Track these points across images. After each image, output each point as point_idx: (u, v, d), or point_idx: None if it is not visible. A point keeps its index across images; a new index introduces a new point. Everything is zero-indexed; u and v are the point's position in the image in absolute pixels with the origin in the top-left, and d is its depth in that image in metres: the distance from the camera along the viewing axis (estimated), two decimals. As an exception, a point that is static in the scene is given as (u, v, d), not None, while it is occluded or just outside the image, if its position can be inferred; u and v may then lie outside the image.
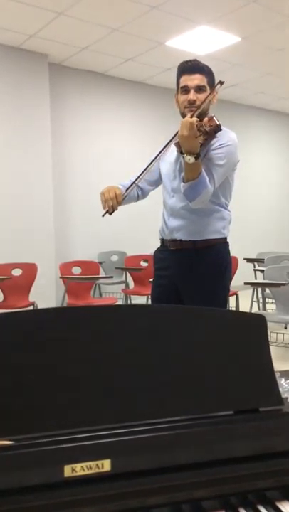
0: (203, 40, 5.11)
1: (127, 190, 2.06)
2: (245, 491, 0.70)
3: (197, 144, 1.81)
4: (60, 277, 4.52)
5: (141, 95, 6.55)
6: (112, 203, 1.97)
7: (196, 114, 1.90)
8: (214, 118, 1.90)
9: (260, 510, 0.68)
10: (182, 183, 1.92)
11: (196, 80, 1.97)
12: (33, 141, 5.38)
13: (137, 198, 2.22)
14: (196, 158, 1.81)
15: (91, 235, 6.08)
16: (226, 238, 2.09)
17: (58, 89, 5.80)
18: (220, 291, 2.07)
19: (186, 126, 1.78)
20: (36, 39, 5.03)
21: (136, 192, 2.18)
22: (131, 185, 2.08)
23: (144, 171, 2.08)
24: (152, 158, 2.09)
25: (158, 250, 2.20)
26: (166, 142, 2.05)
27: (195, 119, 1.80)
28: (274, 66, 5.96)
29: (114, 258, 6.17)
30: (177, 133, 1.96)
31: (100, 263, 5.56)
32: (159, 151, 2.07)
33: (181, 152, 1.87)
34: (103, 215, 2.04)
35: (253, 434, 0.72)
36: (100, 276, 5.06)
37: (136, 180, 2.08)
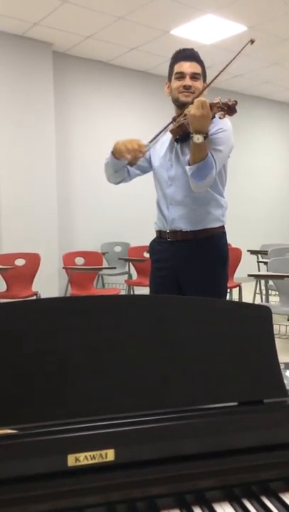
0: (209, 29, 5.05)
1: (150, 143, 2.05)
2: (248, 481, 0.70)
3: (208, 124, 1.82)
4: (64, 267, 4.52)
5: (145, 85, 6.50)
6: (136, 154, 1.95)
7: (190, 99, 1.91)
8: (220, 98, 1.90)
9: (263, 501, 0.68)
10: (188, 167, 1.90)
11: (192, 67, 1.99)
12: (37, 130, 5.36)
13: (124, 179, 2.20)
14: (205, 138, 1.82)
15: (94, 226, 6.07)
16: (223, 227, 2.09)
17: (62, 78, 5.77)
18: (221, 281, 2.08)
19: (200, 105, 1.78)
20: (40, 27, 4.99)
21: (125, 173, 2.17)
22: (151, 140, 2.06)
23: (154, 138, 2.06)
24: (161, 129, 2.06)
25: (155, 242, 2.17)
26: (163, 128, 2.04)
27: (206, 99, 1.80)
28: (280, 56, 5.90)
29: (118, 249, 6.17)
30: (172, 121, 1.96)
31: (103, 254, 5.57)
32: (158, 132, 2.06)
33: (176, 141, 1.85)
34: (127, 164, 2.04)
35: (257, 425, 0.72)
36: (103, 266, 5.06)
37: (153, 140, 2.07)
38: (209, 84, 2.01)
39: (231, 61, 1.94)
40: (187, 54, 2.02)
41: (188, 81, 1.98)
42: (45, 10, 4.60)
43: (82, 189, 5.97)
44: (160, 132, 2.05)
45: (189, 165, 1.90)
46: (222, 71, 1.93)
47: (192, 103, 1.87)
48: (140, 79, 6.46)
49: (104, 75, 6.15)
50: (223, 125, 1.97)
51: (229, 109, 1.82)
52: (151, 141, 2.07)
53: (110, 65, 6.18)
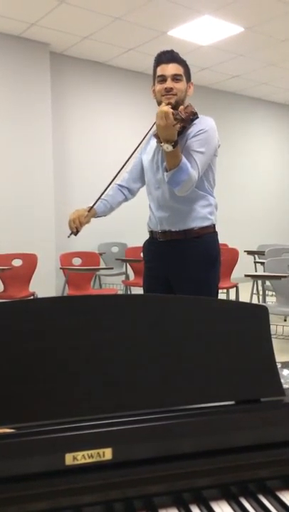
0: (206, 30, 5.06)
1: (90, 209, 2.15)
2: (245, 480, 0.70)
3: (174, 132, 1.83)
4: (61, 268, 4.52)
5: (142, 85, 6.50)
6: (76, 225, 2.08)
7: (172, 100, 1.95)
8: (190, 105, 1.95)
9: (260, 499, 0.68)
10: (165, 173, 1.95)
11: (172, 69, 2.00)
12: (34, 130, 5.36)
13: (125, 199, 2.29)
14: (174, 146, 1.83)
15: (91, 226, 6.03)
16: (214, 226, 2.10)
17: (59, 79, 5.77)
18: (212, 281, 2.08)
19: (162, 115, 1.81)
20: (38, 28, 4.98)
21: (121, 194, 2.26)
22: (95, 203, 2.17)
23: (110, 182, 2.16)
24: (138, 148, 2.12)
25: (147, 242, 2.21)
26: (143, 137, 2.10)
27: (169, 108, 1.83)
28: (277, 57, 5.92)
29: (115, 249, 6.17)
30: (154, 124, 1.98)
31: (101, 254, 5.56)
32: (142, 139, 2.11)
33: (160, 141, 1.89)
34: (68, 236, 2.16)
35: (254, 424, 0.72)
36: (101, 267, 5.06)
37: (100, 195, 2.18)
38: (173, 98, 1.99)
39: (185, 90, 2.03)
40: (167, 56, 2.03)
41: (169, 83, 1.99)
42: (42, 10, 4.60)
43: (80, 189, 5.97)
44: (140, 143, 2.10)
45: (166, 171, 1.94)
46: (179, 93, 2.00)
47: (176, 106, 1.93)
48: (137, 80, 6.46)
49: (102, 75, 6.15)
50: (204, 125, 2.00)
51: (183, 121, 1.87)
52: (92, 206, 2.15)
53: (107, 66, 6.19)
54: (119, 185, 2.27)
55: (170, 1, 4.41)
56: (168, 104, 1.91)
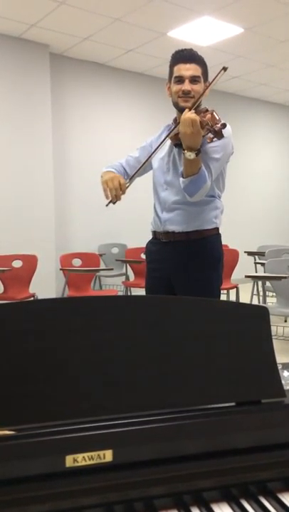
0: (206, 31, 5.06)
1: (130, 179, 2.05)
2: (246, 481, 0.70)
3: (200, 141, 1.78)
4: (61, 269, 4.52)
5: (142, 86, 6.51)
6: (116, 193, 1.95)
7: (193, 107, 1.87)
8: (215, 114, 1.86)
9: (261, 501, 0.68)
10: (181, 179, 1.91)
11: (191, 69, 1.92)
12: (34, 132, 5.36)
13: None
14: (197, 155, 1.79)
15: (92, 227, 6.07)
16: (218, 229, 2.09)
17: (59, 80, 5.77)
18: (214, 282, 2.07)
19: (189, 123, 1.74)
20: (37, 29, 4.99)
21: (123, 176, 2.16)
22: (132, 175, 2.07)
23: (142, 165, 2.07)
24: (152, 151, 2.06)
25: (150, 242, 2.19)
26: (164, 136, 2.03)
27: (196, 116, 1.76)
28: (277, 58, 5.92)
29: (115, 250, 6.17)
30: (174, 126, 1.94)
31: (101, 255, 5.56)
32: (158, 144, 2.04)
33: (176, 146, 1.83)
34: (107, 205, 2.03)
35: (254, 425, 0.72)
36: (101, 268, 5.06)
37: (135, 173, 2.07)
38: (194, 103, 1.92)
39: (203, 92, 1.91)
40: (186, 55, 1.94)
41: (187, 85, 1.92)
42: (42, 12, 4.60)
43: (80, 190, 5.97)
44: (154, 151, 2.03)
45: (183, 177, 1.89)
46: (199, 97, 1.90)
47: (196, 109, 1.86)
48: (137, 81, 6.47)
49: (102, 76, 6.16)
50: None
51: (216, 134, 1.79)
52: (133, 175, 2.06)
53: (107, 67, 6.19)
54: (123, 167, 2.20)
55: (170, 2, 4.41)
56: (187, 108, 1.84)
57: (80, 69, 5.97)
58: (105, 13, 4.64)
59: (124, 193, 1.98)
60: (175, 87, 1.96)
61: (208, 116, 1.82)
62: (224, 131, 1.86)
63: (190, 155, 1.78)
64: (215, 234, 2.07)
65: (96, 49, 5.61)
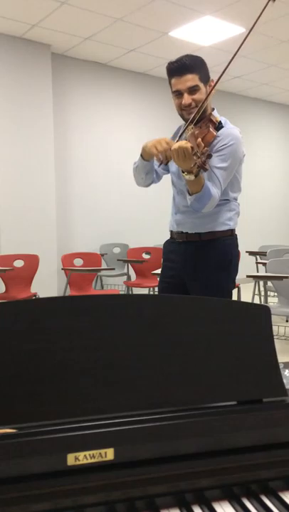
0: (208, 31, 5.06)
1: (175, 138, 1.98)
2: (248, 480, 0.70)
3: (191, 164, 1.73)
4: (62, 269, 4.52)
5: (144, 86, 6.51)
6: (167, 154, 1.86)
7: (193, 115, 1.87)
8: (212, 130, 1.83)
9: (263, 500, 0.68)
10: (188, 195, 1.90)
11: (186, 81, 1.89)
12: (36, 131, 5.36)
13: (153, 181, 2.20)
14: (196, 175, 1.77)
15: (93, 227, 6.07)
16: (232, 230, 2.08)
17: (60, 80, 5.77)
18: (224, 283, 2.07)
19: (180, 153, 1.71)
20: (39, 29, 4.99)
21: (153, 176, 2.16)
22: (179, 136, 1.97)
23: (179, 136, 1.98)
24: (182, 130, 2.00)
25: (167, 242, 2.22)
26: (182, 130, 1.98)
27: (189, 144, 1.71)
28: (279, 57, 5.91)
29: (117, 250, 6.17)
30: (183, 131, 1.93)
31: (102, 255, 5.56)
32: (182, 130, 1.98)
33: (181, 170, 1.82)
34: (159, 166, 2.01)
35: (256, 424, 0.72)
36: (102, 268, 5.06)
37: (180, 136, 1.97)
38: (216, 83, 1.90)
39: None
40: (177, 68, 1.90)
41: (186, 99, 1.90)
42: (43, 12, 4.60)
43: (81, 190, 5.97)
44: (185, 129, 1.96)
45: (189, 194, 1.89)
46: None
47: (200, 116, 1.86)
48: (139, 80, 6.47)
49: (103, 76, 6.16)
50: (229, 139, 1.93)
51: (200, 167, 1.74)
52: (177, 137, 1.98)
53: (109, 67, 6.19)
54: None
55: (171, 1, 4.41)
56: (189, 120, 1.85)
57: (82, 69, 5.98)
58: (107, 13, 4.64)
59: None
60: (176, 101, 1.96)
61: (199, 140, 1.75)
62: (223, 132, 1.86)
63: (189, 177, 1.78)
64: (228, 236, 2.07)
65: (98, 49, 5.61)
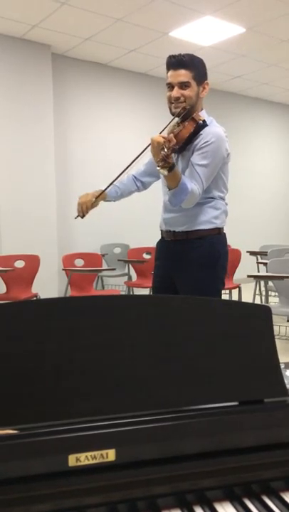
0: (208, 31, 5.06)
1: (101, 193, 2.16)
2: (249, 481, 0.70)
3: (159, 158, 1.79)
4: (63, 269, 4.52)
5: (144, 86, 6.51)
6: (82, 208, 2.11)
7: (179, 110, 1.96)
8: (184, 131, 1.93)
9: (264, 500, 0.68)
10: (167, 190, 1.98)
11: (179, 76, 1.96)
12: (36, 132, 5.36)
13: (137, 190, 2.31)
14: (170, 171, 1.81)
15: (94, 227, 6.07)
16: (220, 229, 2.10)
17: (61, 80, 5.77)
18: (211, 282, 2.08)
19: (152, 145, 1.84)
20: (39, 29, 4.99)
21: (134, 185, 2.28)
22: (107, 187, 2.18)
23: (121, 173, 2.16)
24: (131, 162, 2.11)
25: (158, 241, 2.27)
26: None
27: (161, 138, 1.81)
28: (279, 57, 5.91)
29: (117, 250, 6.17)
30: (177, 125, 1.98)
31: (103, 255, 5.56)
32: (139, 153, 2.08)
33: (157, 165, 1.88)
34: (75, 218, 2.19)
35: (257, 425, 0.72)
36: (103, 268, 5.06)
37: (113, 181, 2.19)
38: (181, 112, 1.98)
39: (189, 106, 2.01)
40: (173, 62, 1.98)
41: (175, 92, 1.97)
42: (43, 12, 4.60)
43: (82, 190, 5.95)
44: (138, 156, 2.07)
45: (168, 189, 1.95)
46: (193, 103, 2.00)
47: (187, 112, 1.95)
48: (139, 81, 6.47)
49: (103, 76, 6.16)
50: (210, 137, 1.97)
51: (162, 161, 1.79)
52: (99, 194, 2.15)
53: (109, 67, 6.19)
54: (134, 176, 2.29)
55: (171, 2, 4.41)
56: (176, 113, 1.96)
57: (82, 69, 5.98)
58: (107, 14, 4.64)
59: (88, 208, 2.14)
60: (167, 94, 2.02)
61: (171, 136, 1.84)
62: (205, 130, 1.95)
63: (163, 172, 1.82)
64: (215, 234, 2.09)
65: (98, 49, 5.62)
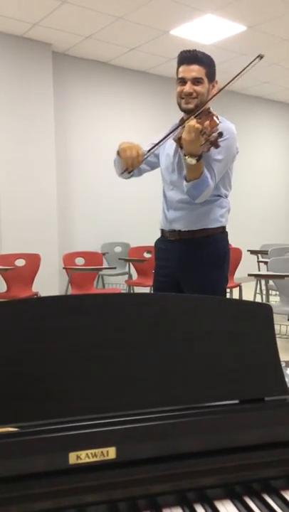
0: (209, 29, 5.05)
1: (148, 152, 2.00)
2: (249, 479, 0.70)
3: (199, 148, 1.78)
4: (64, 268, 4.52)
5: (145, 85, 6.50)
6: (133, 162, 1.92)
7: (192, 105, 1.91)
8: (215, 118, 1.85)
9: (264, 498, 0.68)
10: (185, 182, 1.92)
11: (193, 71, 1.94)
12: (37, 130, 5.36)
13: (133, 175, 2.18)
14: (198, 160, 1.79)
15: (94, 226, 6.07)
16: (224, 228, 2.09)
17: (61, 79, 5.77)
18: (218, 281, 2.07)
19: (191, 131, 1.75)
20: (40, 28, 4.99)
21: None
22: (151, 149, 2.01)
23: (156, 145, 2.02)
24: (161, 137, 2.02)
25: (158, 240, 2.22)
26: (171, 130, 2.02)
27: (199, 125, 1.76)
28: (280, 56, 5.90)
29: (118, 249, 6.17)
30: (179, 125, 1.95)
31: (104, 254, 5.56)
32: (166, 133, 2.01)
33: (181, 148, 1.84)
34: (122, 173, 2.02)
35: (258, 423, 0.72)
36: (103, 267, 5.06)
37: (152, 148, 2.01)
38: (212, 97, 1.96)
39: (237, 77, 1.93)
40: (188, 56, 1.96)
41: (188, 87, 1.93)
42: (44, 10, 4.60)
43: (82, 189, 5.97)
44: (164, 138, 2.00)
45: (186, 181, 1.91)
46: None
47: (197, 111, 1.88)
48: (139, 79, 6.46)
49: (104, 75, 6.15)
50: (226, 133, 1.94)
51: (212, 144, 1.80)
52: (150, 149, 2.01)
53: (110, 65, 6.18)
54: None
55: (172, 0, 4.40)
56: (189, 109, 1.89)
57: (83, 67, 5.97)
58: (107, 12, 4.64)
59: (140, 163, 1.96)
60: (178, 88, 1.98)
61: (207, 123, 1.80)
62: (221, 140, 1.87)
63: (191, 161, 1.79)
64: (220, 232, 2.08)
65: (98, 47, 5.61)
